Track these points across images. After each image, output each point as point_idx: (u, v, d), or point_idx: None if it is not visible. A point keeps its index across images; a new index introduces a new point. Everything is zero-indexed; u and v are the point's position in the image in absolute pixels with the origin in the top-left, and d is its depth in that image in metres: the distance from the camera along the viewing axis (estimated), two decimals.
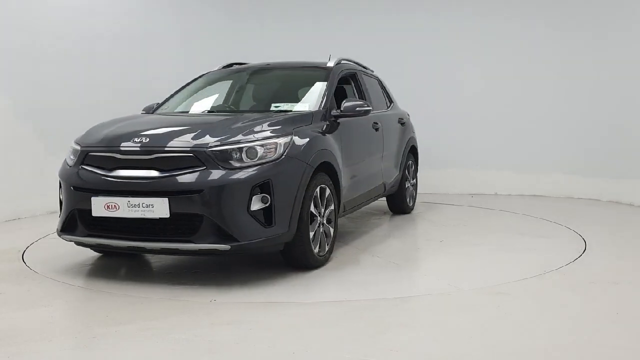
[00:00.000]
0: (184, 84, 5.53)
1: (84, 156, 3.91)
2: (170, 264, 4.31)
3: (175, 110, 4.96)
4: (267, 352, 2.64)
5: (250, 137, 3.73)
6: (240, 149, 3.65)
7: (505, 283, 3.67)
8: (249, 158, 3.65)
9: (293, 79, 5.31)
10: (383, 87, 6.16)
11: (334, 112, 4.52)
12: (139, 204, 3.59)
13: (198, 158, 3.59)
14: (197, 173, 3.57)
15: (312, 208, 3.90)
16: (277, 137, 3.79)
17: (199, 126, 3.91)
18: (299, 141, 3.89)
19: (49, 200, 5.06)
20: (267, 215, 3.63)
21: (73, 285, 3.80)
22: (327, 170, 4.17)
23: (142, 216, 3.59)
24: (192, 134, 3.76)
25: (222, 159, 3.60)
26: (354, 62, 5.66)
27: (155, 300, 3.44)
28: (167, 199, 3.53)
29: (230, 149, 3.63)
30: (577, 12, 7.31)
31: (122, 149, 3.77)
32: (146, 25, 7.77)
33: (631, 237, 5.11)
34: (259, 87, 5.35)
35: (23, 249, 4.89)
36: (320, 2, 8.41)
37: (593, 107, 7.20)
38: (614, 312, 3.11)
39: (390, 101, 6.20)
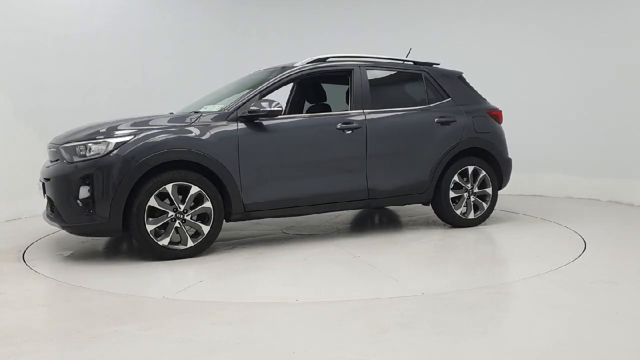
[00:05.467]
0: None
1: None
2: (170, 264, 4.31)
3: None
4: (267, 352, 2.63)
5: (92, 136, 4.38)
6: (83, 146, 4.33)
7: (505, 283, 3.67)
8: (87, 153, 4.30)
9: (262, 81, 5.20)
10: (430, 83, 5.59)
11: (241, 113, 4.65)
12: (40, 188, 4.64)
13: (58, 153, 4.47)
14: (54, 165, 4.47)
15: (154, 203, 4.31)
16: (112, 137, 4.33)
17: (95, 126, 4.57)
18: (139, 140, 4.32)
19: None
20: (92, 204, 4.23)
21: (73, 285, 3.81)
22: (204, 169, 4.46)
23: (42, 196, 4.61)
24: (75, 133, 4.54)
25: (68, 154, 4.37)
26: (367, 57, 5.44)
27: (155, 300, 3.45)
28: (42, 184, 4.56)
29: (72, 145, 4.36)
30: (575, 12, 7.32)
31: (49, 144, 4.74)
32: (146, 25, 7.78)
33: (631, 237, 5.11)
34: (236, 89, 5.35)
35: (23, 249, 4.89)
36: None
37: (593, 107, 7.21)
38: (614, 312, 3.11)
39: (442, 98, 5.58)
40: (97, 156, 4.26)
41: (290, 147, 4.82)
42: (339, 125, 4.99)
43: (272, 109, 4.61)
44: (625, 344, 2.68)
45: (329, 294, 3.53)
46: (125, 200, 4.24)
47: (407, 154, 5.31)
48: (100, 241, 5.17)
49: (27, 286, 3.85)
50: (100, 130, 4.42)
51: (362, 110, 5.14)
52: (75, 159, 4.32)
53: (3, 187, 6.40)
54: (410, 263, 4.28)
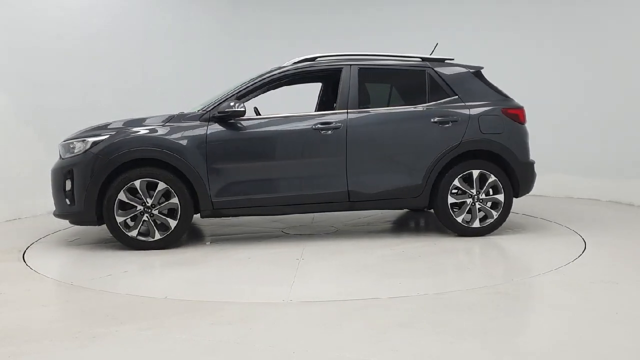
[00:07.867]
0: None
1: None
2: (170, 263, 4.31)
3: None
4: (267, 352, 2.64)
5: (80, 135, 4.84)
6: (72, 144, 4.79)
7: (505, 283, 3.67)
8: (75, 151, 4.75)
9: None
10: (434, 81, 5.20)
11: (214, 114, 4.85)
12: None
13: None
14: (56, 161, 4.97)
15: (124, 197, 4.66)
16: (93, 136, 4.76)
17: (97, 125, 4.99)
18: (110, 139, 4.71)
19: (49, 200, 5.10)
20: (72, 196, 4.71)
21: (73, 284, 3.81)
22: (171, 167, 4.71)
23: None
24: (77, 132, 4.98)
25: (63, 150, 4.87)
26: (371, 55, 5.28)
27: (156, 300, 3.45)
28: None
29: (67, 143, 4.84)
30: (575, 11, 7.32)
31: None
32: (146, 25, 7.78)
33: (631, 237, 5.11)
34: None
35: (23, 249, 4.90)
36: None
37: (593, 107, 7.21)
38: (614, 312, 3.11)
39: (447, 96, 5.16)
40: (78, 153, 4.72)
41: (260, 148, 4.88)
42: (315, 126, 4.91)
43: (236, 109, 4.78)
44: (625, 344, 2.68)
45: (207, 294, 3.54)
46: (97, 193, 4.65)
47: (395, 156, 5.01)
48: (101, 239, 5.17)
49: (27, 286, 3.84)
50: (90, 129, 4.85)
51: (345, 110, 4.98)
52: (66, 155, 4.80)
53: (3, 187, 6.40)
54: (340, 270, 4.10)
